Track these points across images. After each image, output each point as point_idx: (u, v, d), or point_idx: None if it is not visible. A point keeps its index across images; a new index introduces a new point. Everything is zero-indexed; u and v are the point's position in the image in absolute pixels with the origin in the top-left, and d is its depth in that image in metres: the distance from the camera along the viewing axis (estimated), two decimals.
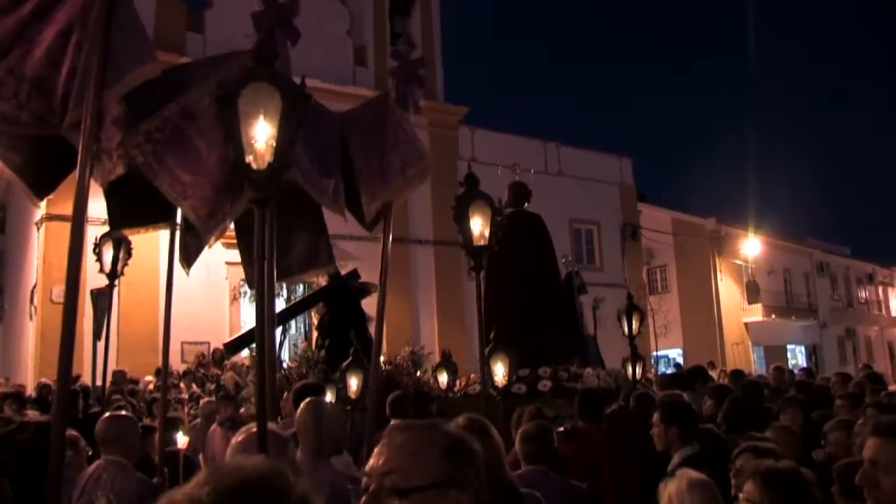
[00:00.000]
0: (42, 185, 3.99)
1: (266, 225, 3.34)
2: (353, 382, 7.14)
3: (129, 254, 6.64)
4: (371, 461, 1.69)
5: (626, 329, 9.29)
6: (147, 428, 7.12)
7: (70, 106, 3.34)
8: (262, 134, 3.22)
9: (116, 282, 6.77)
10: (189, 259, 5.18)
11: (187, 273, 5.20)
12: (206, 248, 4.59)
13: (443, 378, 9.75)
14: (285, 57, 4.18)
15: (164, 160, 3.62)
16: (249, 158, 3.21)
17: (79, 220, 3.28)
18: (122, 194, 4.49)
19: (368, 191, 4.92)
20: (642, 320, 9.73)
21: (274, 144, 3.22)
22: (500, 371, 7.14)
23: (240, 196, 3.76)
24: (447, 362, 10.00)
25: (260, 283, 3.42)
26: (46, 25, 3.44)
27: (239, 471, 1.31)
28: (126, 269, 6.75)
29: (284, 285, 13.51)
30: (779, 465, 2.76)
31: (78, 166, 3.26)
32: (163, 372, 5.80)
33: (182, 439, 6.80)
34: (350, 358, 7.22)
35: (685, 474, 3.18)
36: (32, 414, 7.11)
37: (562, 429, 5.68)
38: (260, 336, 3.64)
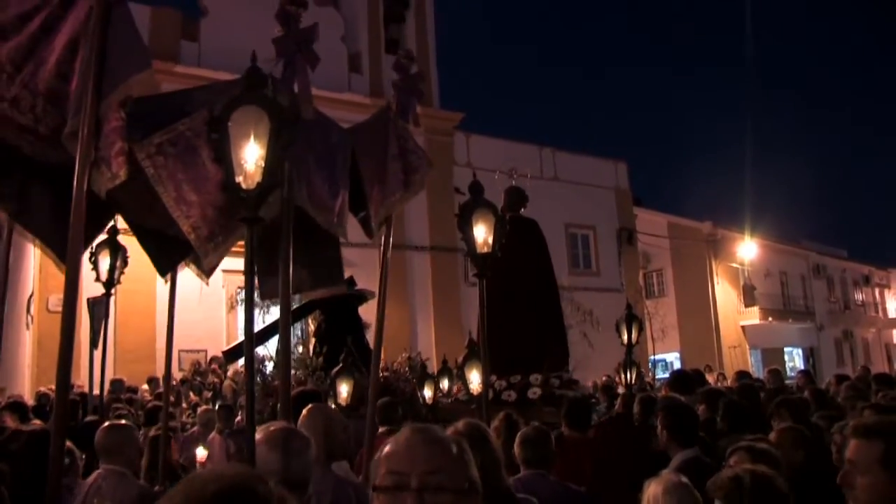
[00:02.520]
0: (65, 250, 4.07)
1: (255, 242, 3.47)
2: (343, 389, 7.16)
3: (125, 262, 6.63)
4: (399, 460, 1.66)
5: (624, 338, 9.29)
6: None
7: (70, 115, 3.37)
8: (251, 155, 3.39)
9: (113, 290, 6.76)
10: (165, 268, 5.23)
11: (206, 283, 5.24)
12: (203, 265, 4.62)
13: (428, 391, 9.71)
14: (305, 82, 4.24)
15: (173, 175, 3.66)
16: (239, 178, 3.38)
17: (77, 229, 3.31)
18: (157, 240, 4.64)
19: (375, 201, 4.96)
20: (641, 329, 9.73)
21: (263, 165, 3.38)
22: (475, 379, 7.06)
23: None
24: (426, 374, 10.12)
25: (249, 298, 3.56)
26: (55, 39, 3.48)
27: (219, 478, 1.32)
28: (122, 277, 6.75)
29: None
30: (739, 473, 2.78)
31: (75, 175, 3.29)
32: (165, 380, 5.82)
33: (201, 452, 6.86)
34: (340, 364, 7.24)
35: (666, 476, 3.19)
36: (35, 424, 7.11)
37: None
38: (249, 347, 3.76)
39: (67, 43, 3.46)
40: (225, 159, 3.38)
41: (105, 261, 6.50)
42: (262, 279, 5.20)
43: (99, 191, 3.42)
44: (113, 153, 3.37)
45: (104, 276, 6.55)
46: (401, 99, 5.28)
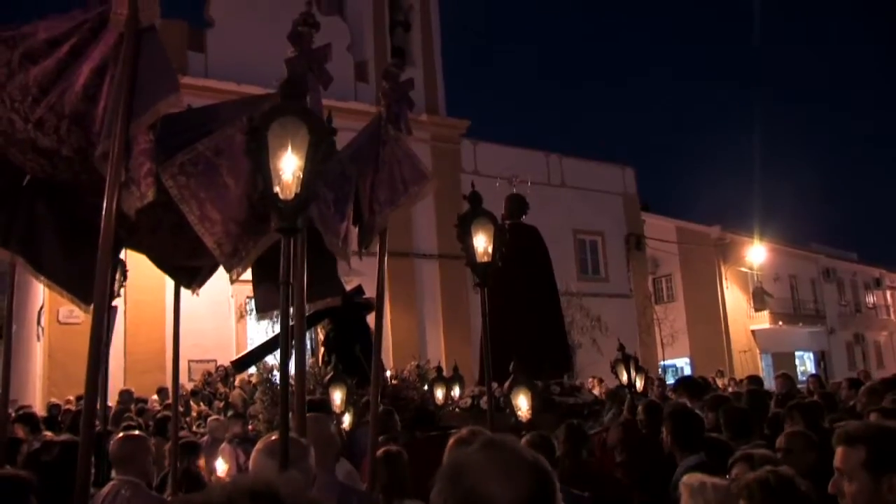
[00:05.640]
0: (86, 292, 4.14)
1: (292, 253, 3.51)
2: (337, 396, 7.24)
3: (124, 275, 6.67)
4: None
5: (623, 379, 9.22)
6: (192, 444, 7.22)
7: (101, 138, 3.43)
8: (289, 166, 3.42)
9: (116, 302, 6.81)
10: (200, 281, 5.30)
11: (197, 294, 5.29)
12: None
13: (439, 393, 9.99)
14: (317, 101, 4.29)
15: (196, 194, 3.73)
16: (277, 189, 3.40)
17: (106, 245, 3.37)
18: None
19: (374, 211, 4.99)
20: (638, 367, 9.73)
21: (301, 176, 3.42)
22: (523, 405, 6.57)
23: (262, 234, 3.88)
24: (441, 377, 10.32)
25: (285, 307, 3.55)
26: (83, 63, 3.56)
27: (250, 480, 1.36)
28: (130, 288, 6.80)
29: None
30: (764, 475, 2.79)
31: (105, 194, 3.35)
32: (174, 391, 5.86)
33: (222, 466, 6.95)
34: (331, 373, 7.29)
35: (707, 479, 3.18)
36: (48, 436, 7.16)
37: None
38: (284, 362, 3.72)
39: (96, 67, 3.53)
40: (262, 170, 3.42)
41: None
42: (257, 292, 5.24)
43: (129, 210, 3.47)
44: (142, 174, 3.44)
45: None
46: (391, 107, 5.30)
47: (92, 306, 3.51)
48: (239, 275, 3.95)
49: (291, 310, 3.75)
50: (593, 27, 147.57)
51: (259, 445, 3.21)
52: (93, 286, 3.63)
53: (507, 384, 6.52)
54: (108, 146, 3.37)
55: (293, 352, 3.95)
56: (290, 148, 3.42)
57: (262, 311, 5.29)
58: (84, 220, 4.09)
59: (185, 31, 20.58)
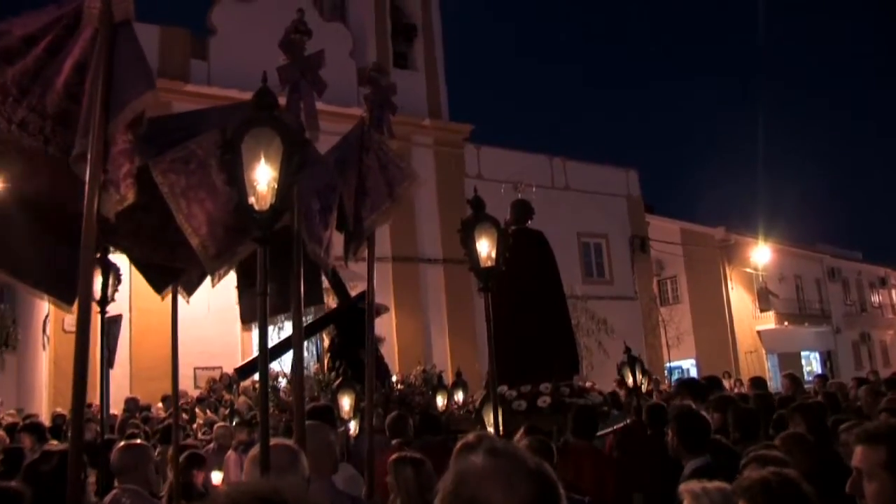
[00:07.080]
0: (67, 292, 4.13)
1: (267, 262, 3.51)
2: (346, 402, 7.28)
3: (118, 280, 6.60)
4: None
5: (629, 381, 9.29)
6: (195, 456, 7.22)
7: (78, 137, 3.40)
8: (263, 176, 3.44)
9: (121, 310, 6.76)
10: (160, 286, 5.30)
11: (187, 301, 5.32)
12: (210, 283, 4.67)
13: (441, 400, 10.33)
14: (311, 108, 4.29)
15: (185, 192, 3.71)
16: (252, 200, 3.42)
17: (88, 249, 3.35)
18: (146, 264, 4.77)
19: (361, 218, 5.01)
20: (644, 370, 9.76)
21: (275, 186, 3.44)
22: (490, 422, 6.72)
23: (246, 239, 3.86)
24: (442, 384, 10.44)
25: (263, 318, 3.58)
26: (63, 61, 3.51)
27: (255, 487, 1.38)
28: (136, 297, 6.79)
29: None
30: (766, 476, 2.77)
31: (85, 197, 3.32)
32: (174, 398, 5.85)
33: (217, 476, 6.95)
34: (340, 378, 7.32)
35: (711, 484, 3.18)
36: (52, 444, 7.17)
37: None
38: (263, 369, 3.81)
39: (75, 65, 3.48)
40: (237, 181, 3.42)
41: (97, 280, 6.46)
42: (241, 301, 5.24)
43: (107, 213, 3.43)
44: (121, 175, 3.40)
45: (97, 295, 6.51)
46: (374, 111, 5.33)
47: (75, 305, 3.49)
48: (221, 277, 3.95)
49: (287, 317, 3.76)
50: (595, 30, 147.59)
51: (252, 453, 3.23)
52: (72, 286, 3.62)
53: (479, 399, 6.53)
54: (85, 146, 3.33)
55: (294, 360, 3.98)
56: (263, 159, 3.43)
57: (247, 322, 5.27)
58: (56, 222, 4.05)
59: (187, 38, 20.66)
